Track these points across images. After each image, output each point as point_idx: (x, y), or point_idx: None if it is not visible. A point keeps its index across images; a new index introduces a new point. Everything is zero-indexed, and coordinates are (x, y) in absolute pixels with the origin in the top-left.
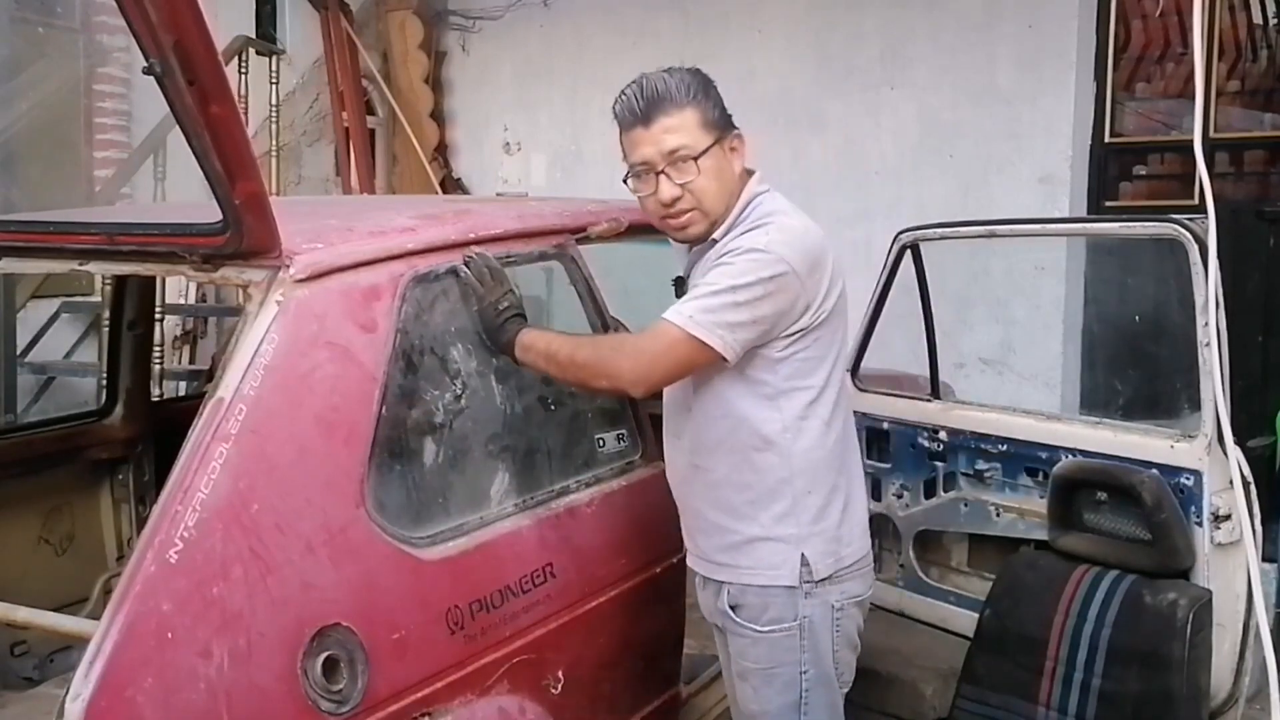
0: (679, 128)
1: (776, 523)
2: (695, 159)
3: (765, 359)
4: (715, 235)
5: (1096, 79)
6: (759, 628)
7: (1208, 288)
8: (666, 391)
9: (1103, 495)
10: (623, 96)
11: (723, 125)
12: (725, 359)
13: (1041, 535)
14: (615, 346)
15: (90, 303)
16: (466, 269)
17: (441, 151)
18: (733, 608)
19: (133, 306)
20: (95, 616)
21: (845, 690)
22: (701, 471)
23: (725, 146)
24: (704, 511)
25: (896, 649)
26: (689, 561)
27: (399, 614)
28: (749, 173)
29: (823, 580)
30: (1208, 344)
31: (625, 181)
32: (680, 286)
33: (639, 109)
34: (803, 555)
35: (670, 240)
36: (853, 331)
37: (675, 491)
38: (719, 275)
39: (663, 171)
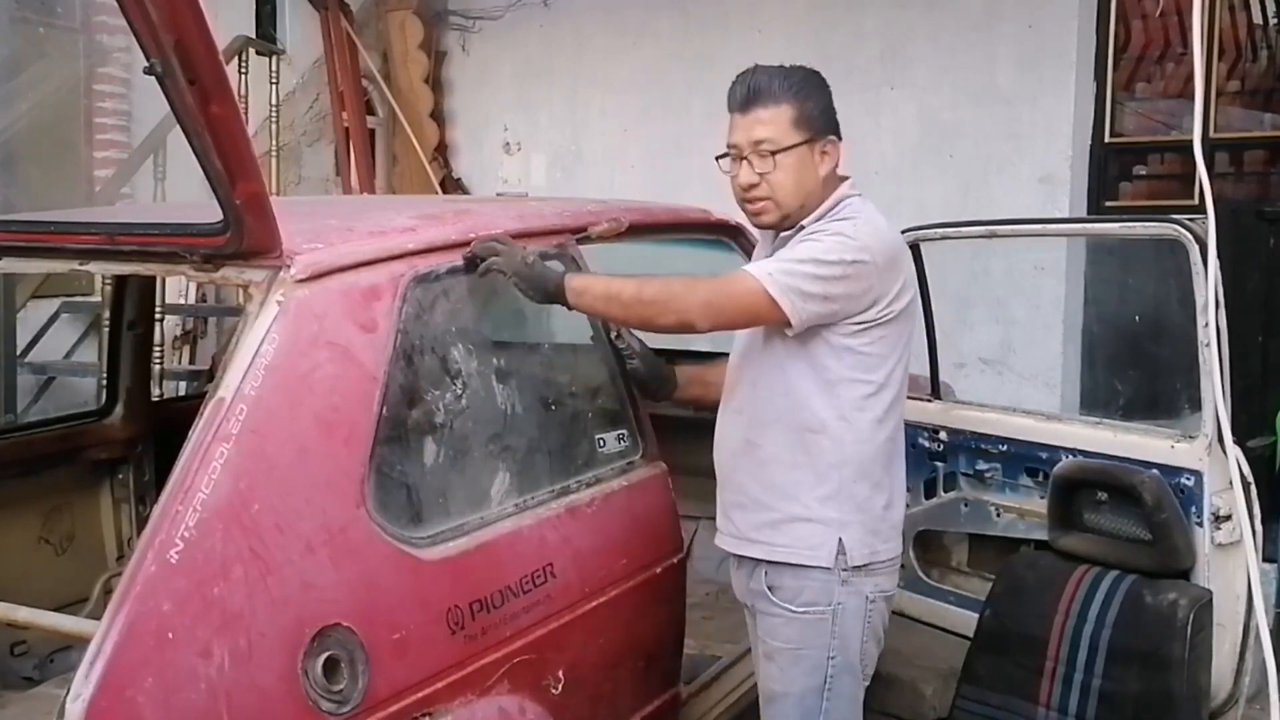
0: (770, 121)
1: (820, 504)
2: (775, 153)
3: (829, 344)
4: (804, 222)
5: (1096, 79)
6: (793, 608)
7: (1208, 288)
8: (732, 365)
9: (1103, 495)
10: (734, 81)
11: (818, 128)
12: (790, 324)
13: (1041, 535)
14: (688, 284)
15: (90, 303)
16: (474, 254)
17: (441, 151)
18: (770, 588)
19: (133, 306)
20: (95, 616)
21: (865, 684)
22: (754, 447)
23: (815, 149)
24: (748, 487)
25: (896, 649)
26: (719, 542)
27: (399, 614)
28: (843, 178)
29: (858, 568)
30: (1208, 344)
31: (718, 160)
32: None
33: (740, 96)
34: (840, 540)
35: (753, 230)
36: None
37: (722, 466)
38: (805, 248)
39: (746, 158)
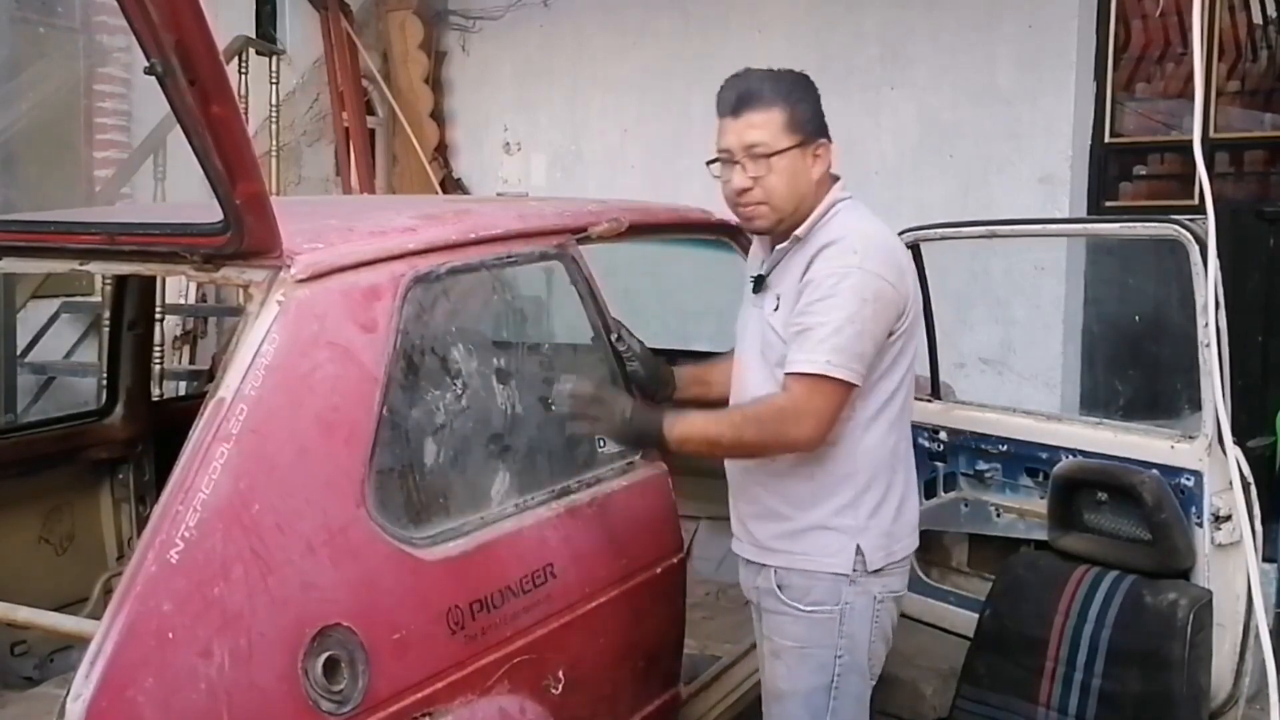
0: (762, 125)
1: (836, 514)
2: (770, 157)
3: None
4: (799, 233)
5: (1096, 79)
6: (802, 607)
7: (1208, 288)
8: (738, 376)
9: (1103, 495)
10: (722, 86)
11: (810, 131)
12: (859, 386)
13: (1041, 535)
14: (780, 418)
15: (90, 303)
16: (567, 403)
17: (441, 151)
18: (779, 587)
19: (133, 306)
20: (95, 616)
21: (872, 684)
22: (767, 461)
23: (808, 152)
24: (764, 499)
25: (897, 649)
26: (737, 549)
27: (399, 614)
28: (835, 178)
29: (873, 571)
30: (1208, 344)
31: (709, 165)
32: (758, 284)
33: (730, 100)
34: (858, 546)
35: (748, 234)
36: None
37: (734, 477)
38: (829, 311)
39: (739, 162)
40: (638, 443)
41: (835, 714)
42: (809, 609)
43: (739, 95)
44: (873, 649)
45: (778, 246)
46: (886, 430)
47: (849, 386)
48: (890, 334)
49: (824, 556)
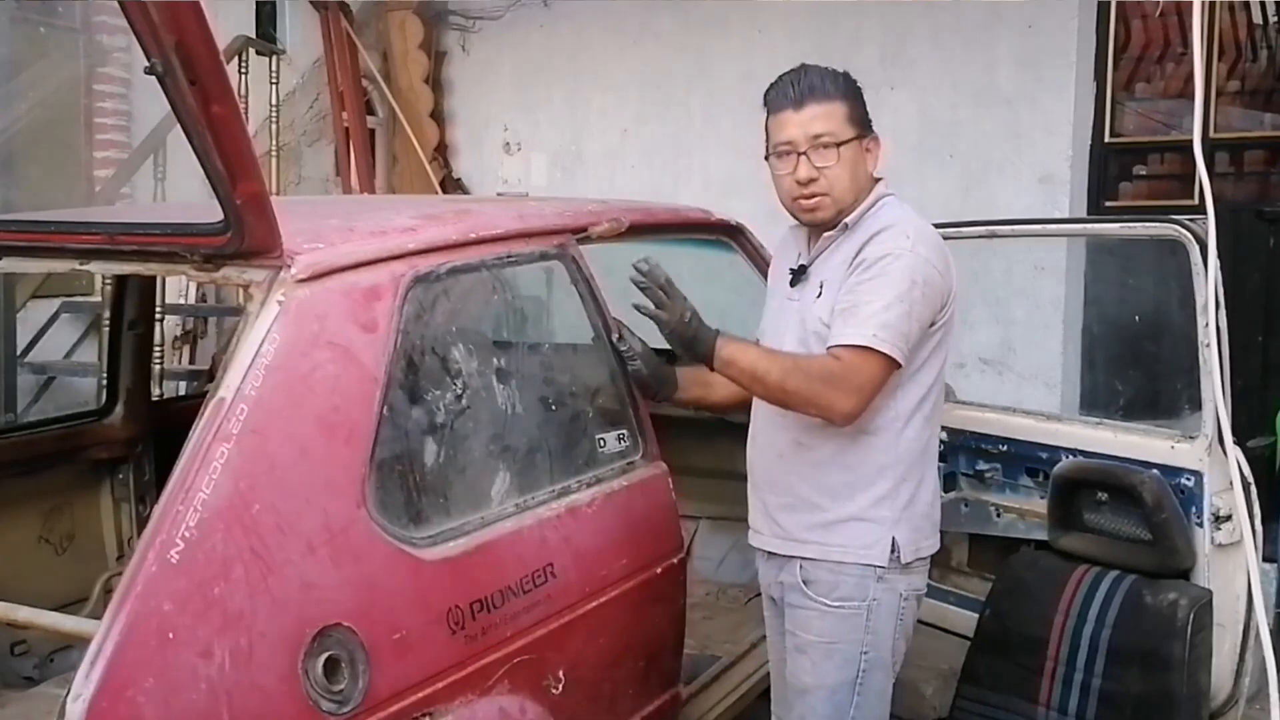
0: (826, 116)
1: (873, 505)
2: (837, 146)
3: None
4: (848, 220)
5: (1096, 79)
6: (829, 602)
7: (1208, 288)
8: None
9: (1103, 495)
10: (779, 82)
11: (864, 126)
12: (901, 366)
13: (1042, 535)
14: (826, 379)
15: (90, 303)
16: (642, 280)
17: (441, 151)
18: (805, 582)
19: (133, 306)
20: (95, 616)
21: (892, 681)
22: (806, 450)
23: (863, 145)
24: (798, 488)
25: None
26: (758, 543)
27: (400, 614)
28: (877, 179)
29: (905, 565)
30: (1208, 344)
31: (766, 159)
32: (799, 275)
33: (793, 94)
34: (894, 539)
35: (797, 221)
36: None
37: (766, 469)
38: (878, 290)
39: (804, 153)
40: (687, 347)
41: (859, 709)
42: (835, 604)
43: (801, 89)
44: (895, 646)
45: (825, 234)
46: (923, 425)
47: (892, 364)
48: (933, 323)
49: (858, 548)
